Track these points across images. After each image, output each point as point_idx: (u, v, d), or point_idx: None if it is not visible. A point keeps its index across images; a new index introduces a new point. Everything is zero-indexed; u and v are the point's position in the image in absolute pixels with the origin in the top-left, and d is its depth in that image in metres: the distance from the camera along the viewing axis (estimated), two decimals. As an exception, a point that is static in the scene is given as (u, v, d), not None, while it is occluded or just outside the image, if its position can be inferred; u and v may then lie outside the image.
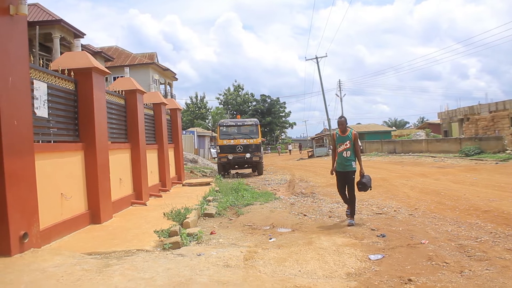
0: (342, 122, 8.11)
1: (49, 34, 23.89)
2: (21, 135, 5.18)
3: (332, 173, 8.24)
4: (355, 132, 8.06)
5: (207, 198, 11.15)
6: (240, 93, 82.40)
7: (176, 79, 49.20)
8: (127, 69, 11.99)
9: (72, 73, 7.26)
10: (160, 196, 11.71)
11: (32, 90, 5.85)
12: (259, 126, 22.99)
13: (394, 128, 74.23)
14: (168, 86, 47.19)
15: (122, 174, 9.61)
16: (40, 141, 6.35)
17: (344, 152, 7.86)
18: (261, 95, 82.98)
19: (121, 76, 11.69)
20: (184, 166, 23.35)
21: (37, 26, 22.61)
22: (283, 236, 6.92)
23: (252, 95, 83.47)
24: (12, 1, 5.05)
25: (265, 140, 67.26)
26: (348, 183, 7.88)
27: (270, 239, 6.70)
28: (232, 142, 21.76)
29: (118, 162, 9.44)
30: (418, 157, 27.36)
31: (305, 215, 8.98)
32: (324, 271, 4.83)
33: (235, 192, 12.58)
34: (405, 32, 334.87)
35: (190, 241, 6.37)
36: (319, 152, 43.22)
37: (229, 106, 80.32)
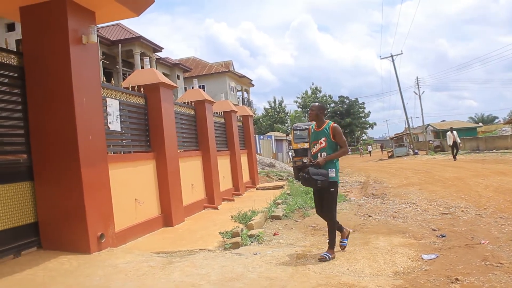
0: (313, 110, 5.81)
1: (130, 51, 25.64)
2: (95, 148, 5.87)
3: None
4: (334, 124, 5.72)
5: (277, 201, 11.50)
6: (317, 95, 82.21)
7: (253, 85, 50.26)
8: (195, 81, 12.75)
9: (142, 89, 8.00)
10: (233, 200, 12.25)
11: (106, 107, 6.59)
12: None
13: (480, 124, 70.28)
14: (245, 93, 48.28)
15: (194, 180, 10.27)
16: (112, 152, 7.07)
17: (319, 154, 5.64)
18: (339, 97, 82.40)
19: (192, 87, 12.41)
20: (261, 170, 23.96)
21: (120, 44, 24.31)
22: (342, 237, 7.12)
23: (330, 97, 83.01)
24: (84, 31, 5.78)
25: (345, 142, 66.53)
26: (325, 198, 5.69)
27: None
28: (306, 145, 21.93)
29: (190, 168, 10.10)
30: (502, 154, 25.91)
31: (370, 216, 9.05)
32: (371, 270, 4.98)
33: (305, 194, 12.82)
34: (490, 20, 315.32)
35: (251, 242, 6.76)
36: (399, 152, 42.08)
37: (308, 109, 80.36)
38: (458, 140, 25.11)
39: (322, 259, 5.34)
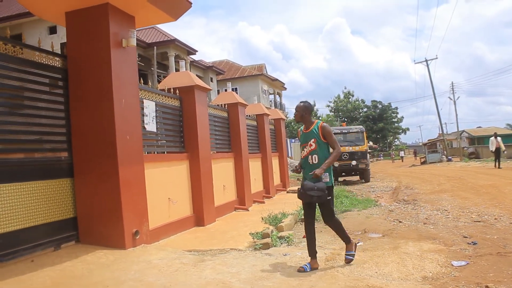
0: (297, 111, 5.33)
1: (165, 53, 26.14)
2: (132, 148, 6.09)
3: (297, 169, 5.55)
4: (323, 124, 5.23)
5: (307, 204, 11.56)
6: (350, 99, 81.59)
7: (285, 88, 50.31)
8: (229, 84, 12.95)
9: (177, 91, 8.22)
10: (263, 202, 12.38)
11: (142, 108, 6.82)
12: (364, 133, 22.91)
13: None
14: (277, 96, 48.39)
15: (225, 181, 10.45)
16: (147, 152, 7.30)
17: (310, 157, 5.20)
18: (371, 101, 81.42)
19: (225, 90, 12.61)
20: (292, 173, 24.01)
21: (155, 47, 24.83)
22: (371, 241, 7.14)
23: (363, 101, 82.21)
24: (124, 35, 6.02)
25: (377, 147, 65.59)
26: (320, 206, 5.27)
27: (358, 243, 6.95)
28: None
29: (222, 170, 10.28)
30: (542, 162, 25.25)
31: (400, 222, 9.02)
32: (400, 274, 5.00)
33: (335, 198, 12.85)
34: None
35: (281, 243, 6.87)
36: (432, 158, 41.30)
37: (340, 113, 79.86)
38: (503, 147, 23.59)
39: (349, 261, 5.24)
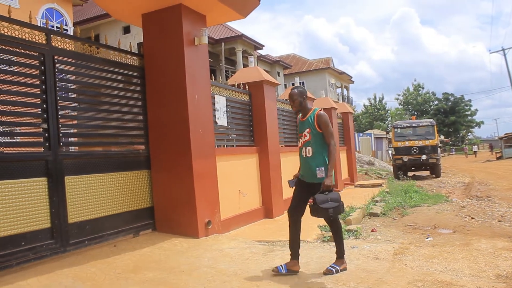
0: (295, 99, 4.70)
1: (232, 49, 26.62)
2: (205, 142, 6.37)
3: (291, 185, 4.94)
4: (320, 111, 4.61)
5: (375, 199, 11.48)
6: (420, 92, 78.81)
7: (352, 81, 49.61)
8: (297, 78, 13.04)
9: (246, 86, 8.45)
10: (331, 196, 12.37)
11: (214, 104, 7.10)
12: (435, 127, 22.19)
13: None
14: (344, 89, 47.82)
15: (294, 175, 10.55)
16: (217, 146, 7.58)
17: (303, 149, 4.67)
18: (443, 94, 77.95)
19: (292, 84, 12.73)
20: (360, 168, 23.75)
21: (223, 43, 25.37)
22: (441, 237, 7.01)
23: (434, 93, 78.98)
24: (196, 33, 6.30)
25: (448, 141, 62.96)
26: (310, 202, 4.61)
27: (427, 238, 6.87)
28: (407, 143, 21.40)
29: (290, 163, 10.39)
30: None
31: (472, 218, 8.75)
32: (471, 270, 4.89)
33: (404, 193, 12.63)
34: None
35: (349, 236, 6.91)
36: (509, 153, 38.86)
37: (409, 107, 77.39)
38: None
39: (327, 273, 4.53)
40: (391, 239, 6.92)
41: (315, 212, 4.52)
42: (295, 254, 4.68)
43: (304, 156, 4.66)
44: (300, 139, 4.74)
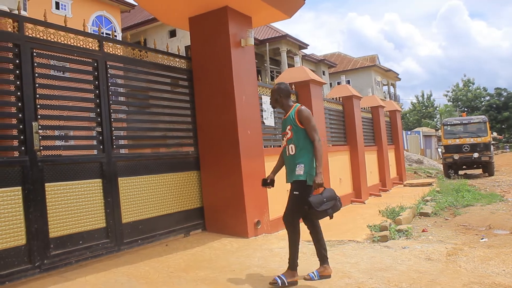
0: (272, 95, 4.55)
1: (277, 49, 26.66)
2: (253, 142, 6.41)
3: (263, 184, 4.63)
4: (300, 107, 4.37)
5: (425, 198, 11.20)
6: (470, 88, 76.13)
7: (399, 79, 48.61)
8: (343, 77, 12.91)
9: (292, 86, 8.44)
10: (379, 196, 12.21)
11: (261, 104, 7.14)
12: (487, 123, 21.38)
13: None
14: (391, 87, 46.93)
15: (341, 174, 10.47)
16: (264, 146, 7.60)
17: (287, 147, 4.39)
18: (495, 89, 74.75)
19: (338, 83, 12.62)
20: (408, 166, 23.25)
21: (267, 43, 25.44)
22: (497, 238, 6.75)
23: (485, 89, 75.95)
24: (243, 35, 6.35)
25: (502, 138, 60.51)
26: (289, 198, 4.34)
27: (482, 239, 6.63)
28: (457, 141, 20.73)
29: (338, 163, 10.33)
30: None
31: (531, 218, 8.40)
32: (532, 273, 4.72)
33: (456, 192, 12.25)
34: None
35: (399, 236, 6.77)
36: None
37: (459, 103, 74.91)
38: None
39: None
40: (444, 239, 6.73)
41: (314, 215, 4.27)
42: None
43: (287, 155, 4.39)
44: (284, 138, 4.46)
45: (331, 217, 4.31)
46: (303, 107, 4.38)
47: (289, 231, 4.36)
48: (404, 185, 15.48)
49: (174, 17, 6.81)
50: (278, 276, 4.14)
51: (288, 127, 4.37)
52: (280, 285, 4.07)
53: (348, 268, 4.75)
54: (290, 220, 4.33)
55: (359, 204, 10.70)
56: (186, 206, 6.16)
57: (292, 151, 4.33)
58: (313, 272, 4.32)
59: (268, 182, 4.58)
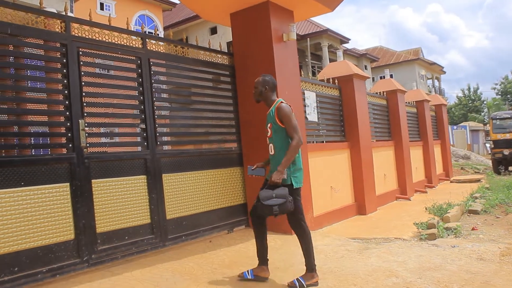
0: (257, 86, 4.32)
1: (318, 44, 26.41)
2: (296, 137, 6.32)
3: (248, 172, 4.56)
4: (281, 103, 4.14)
5: (474, 195, 10.79)
6: (520, 80, 73.13)
7: (444, 72, 47.32)
8: (387, 71, 12.61)
9: (335, 81, 8.29)
10: (425, 192, 11.88)
11: (304, 99, 7.03)
12: (541, 116, 20.46)
13: None
14: (435, 81, 45.69)
15: (386, 170, 10.24)
16: (307, 142, 7.50)
17: (269, 146, 4.22)
18: (548, 80, 71.86)
19: (381, 77, 12.34)
20: (455, 162, 22.54)
21: (308, 38, 25.22)
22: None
23: (536, 81, 73.01)
24: (284, 30, 6.27)
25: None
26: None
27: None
28: (507, 136, 19.92)
29: (382, 158, 10.10)
30: None
31: None
32: None
33: (507, 189, 11.73)
34: None
35: (447, 234, 6.54)
36: None
37: (508, 96, 72.10)
38: None
39: (290, 285, 3.99)
40: (496, 238, 6.44)
41: (259, 210, 4.01)
42: (262, 259, 4.29)
43: (270, 154, 4.21)
44: (267, 134, 4.24)
45: (275, 216, 3.98)
46: (284, 103, 4.15)
47: (298, 234, 4.25)
48: (451, 182, 15.03)
49: (215, 13, 6.79)
50: (298, 278, 4.01)
51: (269, 125, 4.17)
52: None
53: (395, 267, 4.60)
54: (297, 225, 4.23)
55: (404, 200, 10.44)
56: (229, 203, 6.15)
57: (271, 151, 4.17)
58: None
59: (253, 170, 4.43)
